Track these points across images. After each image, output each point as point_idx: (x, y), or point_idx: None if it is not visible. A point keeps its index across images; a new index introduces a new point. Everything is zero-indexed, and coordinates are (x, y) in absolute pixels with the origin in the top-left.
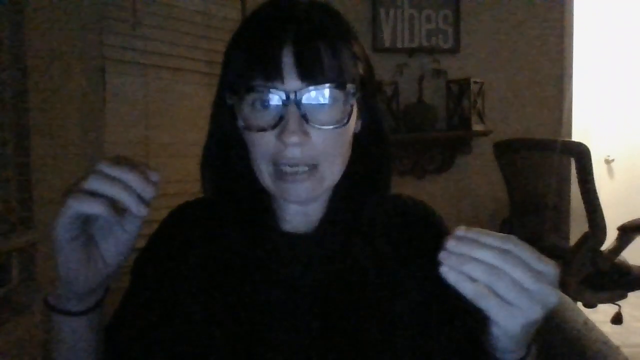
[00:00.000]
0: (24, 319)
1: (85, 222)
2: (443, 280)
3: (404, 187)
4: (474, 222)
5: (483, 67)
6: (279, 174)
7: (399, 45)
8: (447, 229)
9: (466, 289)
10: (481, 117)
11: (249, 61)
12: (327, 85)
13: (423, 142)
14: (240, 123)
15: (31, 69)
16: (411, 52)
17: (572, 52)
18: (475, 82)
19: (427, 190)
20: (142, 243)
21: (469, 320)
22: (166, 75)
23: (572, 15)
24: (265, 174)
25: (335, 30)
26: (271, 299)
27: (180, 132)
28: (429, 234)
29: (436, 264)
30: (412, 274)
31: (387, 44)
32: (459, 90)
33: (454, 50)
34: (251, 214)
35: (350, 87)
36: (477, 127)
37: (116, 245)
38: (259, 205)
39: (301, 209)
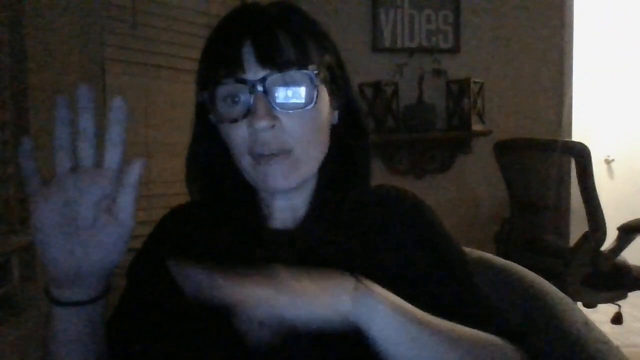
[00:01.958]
0: (24, 319)
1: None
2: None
3: (404, 187)
4: (474, 222)
5: (483, 67)
6: (257, 160)
7: (399, 45)
8: (432, 214)
9: None
10: (481, 117)
11: (212, 57)
12: (289, 68)
13: (423, 142)
14: (213, 118)
15: (31, 69)
16: (411, 52)
17: (572, 52)
18: (475, 82)
19: (427, 190)
20: (138, 244)
21: (455, 307)
22: (166, 75)
23: (572, 15)
24: (244, 165)
25: (296, 21)
26: None
27: (180, 132)
28: (413, 219)
29: (421, 246)
30: (398, 260)
31: (387, 44)
32: (459, 90)
33: (454, 50)
34: (239, 214)
35: (312, 67)
36: (477, 127)
37: (104, 239)
38: (246, 204)
39: (287, 204)
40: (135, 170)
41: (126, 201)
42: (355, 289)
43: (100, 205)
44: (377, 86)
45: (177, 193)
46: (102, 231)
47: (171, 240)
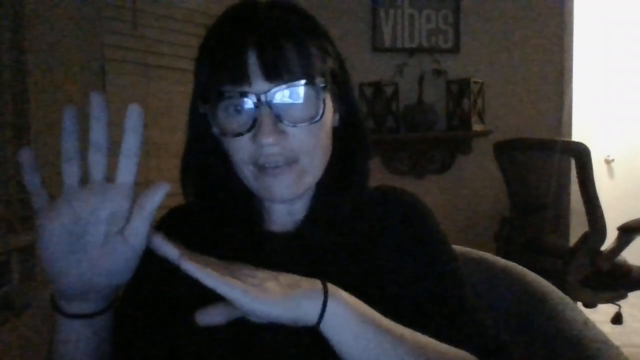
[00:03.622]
0: (24, 319)
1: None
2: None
3: (404, 187)
4: (473, 222)
5: (483, 67)
6: (261, 170)
7: (399, 45)
8: (429, 216)
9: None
10: (481, 117)
11: (215, 68)
12: (295, 82)
13: (423, 142)
14: (216, 130)
15: (31, 69)
16: (411, 52)
17: (572, 52)
18: (475, 82)
19: (427, 190)
20: None
21: (445, 306)
22: (166, 75)
23: (572, 15)
24: (247, 176)
25: (299, 26)
26: None
27: (180, 132)
28: (410, 220)
29: (415, 249)
30: (395, 262)
31: (387, 44)
32: (459, 90)
33: (454, 50)
34: (238, 217)
35: (319, 81)
36: (477, 127)
37: (114, 260)
38: (245, 208)
39: (286, 208)
40: (156, 196)
41: (140, 226)
42: (321, 296)
43: (111, 223)
44: (377, 86)
45: (177, 193)
46: (112, 252)
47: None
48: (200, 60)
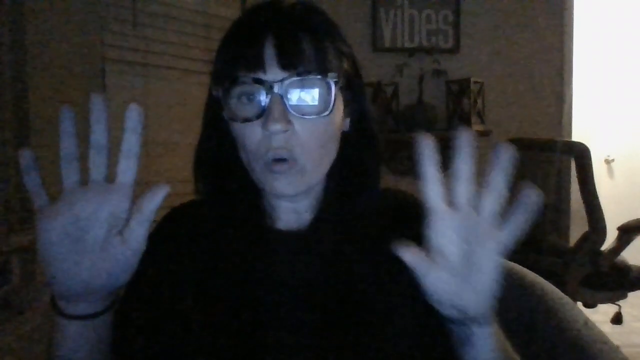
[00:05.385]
0: (24, 319)
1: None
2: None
3: (404, 187)
4: None
5: (483, 67)
6: (268, 166)
7: (399, 45)
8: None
9: None
10: (481, 117)
11: (232, 54)
12: (309, 74)
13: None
14: (226, 114)
15: (31, 69)
16: (411, 52)
17: (572, 52)
18: (475, 82)
19: None
20: None
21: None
22: (166, 75)
23: (572, 15)
24: (255, 168)
25: (318, 24)
26: (267, 297)
27: (180, 132)
28: (417, 224)
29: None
30: (400, 265)
31: (387, 44)
32: (459, 90)
33: (454, 50)
34: (244, 213)
35: (332, 75)
36: (477, 127)
37: (113, 262)
38: (252, 204)
39: (293, 206)
40: (156, 198)
41: (139, 227)
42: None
43: (110, 224)
44: (377, 86)
45: (177, 193)
46: (111, 252)
47: (173, 239)
48: (220, 49)
